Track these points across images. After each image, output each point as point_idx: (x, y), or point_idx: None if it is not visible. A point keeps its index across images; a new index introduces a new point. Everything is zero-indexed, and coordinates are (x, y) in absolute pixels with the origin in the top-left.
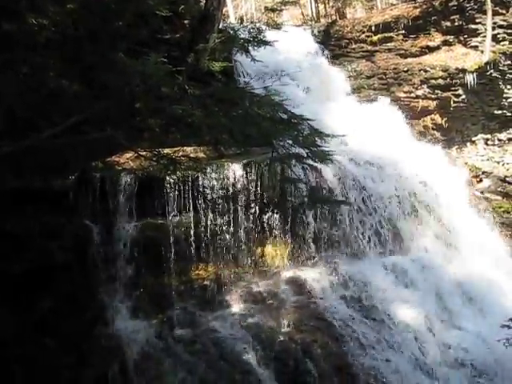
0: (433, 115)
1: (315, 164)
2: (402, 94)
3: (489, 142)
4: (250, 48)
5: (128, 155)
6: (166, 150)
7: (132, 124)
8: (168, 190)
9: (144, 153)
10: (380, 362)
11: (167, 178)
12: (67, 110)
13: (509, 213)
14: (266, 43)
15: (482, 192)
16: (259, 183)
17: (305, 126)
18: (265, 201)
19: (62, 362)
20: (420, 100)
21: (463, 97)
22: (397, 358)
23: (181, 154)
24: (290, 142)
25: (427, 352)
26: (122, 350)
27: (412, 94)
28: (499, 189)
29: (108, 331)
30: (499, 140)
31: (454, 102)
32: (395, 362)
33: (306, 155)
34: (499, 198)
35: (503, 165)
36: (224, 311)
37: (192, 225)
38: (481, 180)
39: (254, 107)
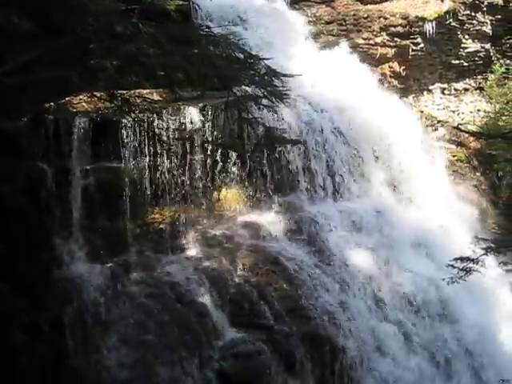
0: (391, 63)
1: (272, 105)
2: (361, 41)
3: (445, 92)
4: None
5: (82, 97)
6: (121, 92)
7: (86, 64)
8: (123, 133)
9: (98, 94)
10: (334, 305)
11: (122, 121)
12: (18, 49)
13: (462, 161)
14: None
15: (436, 140)
16: (216, 126)
17: (261, 65)
18: (221, 144)
19: (17, 307)
20: (379, 47)
21: (422, 45)
22: (350, 301)
23: (136, 95)
24: (247, 81)
25: (379, 295)
26: (78, 294)
27: (371, 41)
28: (454, 138)
29: (63, 275)
30: (455, 90)
31: (413, 50)
32: (348, 305)
33: (262, 95)
34: (453, 146)
35: (458, 114)
36: (180, 255)
37: (147, 168)
38: (436, 129)
39: (210, 47)
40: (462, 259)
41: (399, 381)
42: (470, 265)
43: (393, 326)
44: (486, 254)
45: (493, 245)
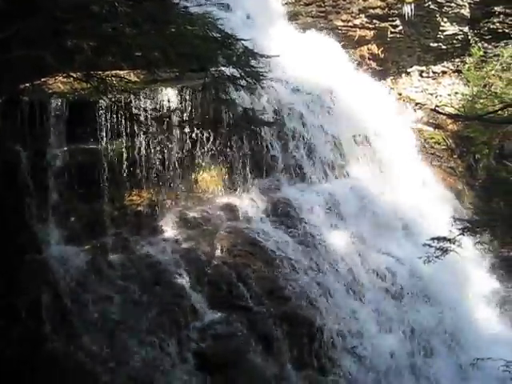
0: (369, 45)
1: (249, 86)
2: (339, 23)
3: (423, 74)
4: None
5: (58, 78)
6: (98, 72)
7: (61, 45)
8: (100, 115)
9: (75, 75)
10: (311, 286)
11: (99, 102)
12: None
13: (439, 143)
14: None
15: (414, 123)
16: (193, 108)
17: (239, 45)
18: (199, 125)
19: None
20: (357, 29)
21: (400, 28)
22: (328, 282)
23: (113, 76)
24: (224, 61)
25: (357, 276)
26: (55, 277)
27: (350, 23)
28: (431, 120)
29: (40, 258)
30: (434, 72)
31: (391, 32)
32: (326, 286)
33: (240, 76)
34: (431, 129)
35: (436, 97)
36: (158, 237)
37: (125, 150)
38: (414, 111)
39: (187, 26)
40: (438, 239)
41: (376, 360)
42: (447, 244)
43: (370, 306)
44: (462, 234)
45: (469, 225)
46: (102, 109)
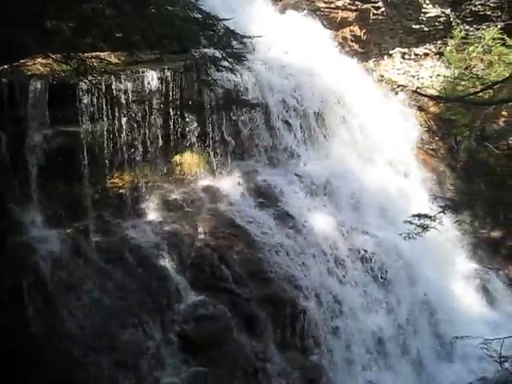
0: (352, 27)
1: (231, 67)
2: (321, 5)
3: (405, 56)
4: None
5: (38, 60)
6: (78, 54)
7: (41, 26)
8: (81, 97)
9: (54, 56)
10: (294, 268)
11: (79, 84)
12: None
13: (421, 125)
14: None
15: (396, 105)
16: (175, 89)
17: (220, 26)
18: (181, 106)
19: None
20: (340, 11)
21: (383, 9)
22: (310, 263)
23: (93, 57)
24: (205, 42)
25: (339, 257)
26: (37, 260)
27: (332, 5)
28: (413, 102)
29: (21, 242)
30: (416, 54)
31: (374, 14)
32: (309, 267)
33: (221, 57)
34: (413, 111)
35: (418, 79)
36: (140, 219)
37: (106, 132)
38: (396, 93)
39: (167, 7)
40: (419, 216)
41: (360, 340)
42: (427, 222)
43: (352, 286)
44: (443, 212)
45: (449, 203)
46: (83, 91)
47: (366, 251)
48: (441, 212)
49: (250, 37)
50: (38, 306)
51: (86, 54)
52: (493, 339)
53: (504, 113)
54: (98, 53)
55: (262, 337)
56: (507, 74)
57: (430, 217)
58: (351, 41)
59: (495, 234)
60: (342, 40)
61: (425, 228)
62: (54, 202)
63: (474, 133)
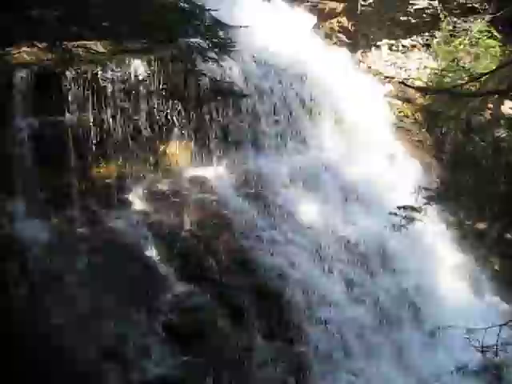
0: (340, 18)
1: (217, 57)
2: None
3: (393, 48)
4: None
5: (23, 48)
6: (64, 42)
7: (28, 15)
8: (66, 86)
9: (40, 45)
10: (280, 258)
11: (65, 73)
12: None
13: (407, 117)
14: None
15: (383, 96)
16: (162, 79)
17: (206, 16)
18: (168, 96)
19: None
20: (328, 2)
21: (370, 1)
22: (297, 254)
23: (79, 46)
24: (192, 32)
25: (325, 247)
26: (22, 251)
27: None
28: (400, 94)
29: (6, 232)
30: (403, 46)
31: (362, 5)
32: (295, 258)
33: (207, 47)
34: (400, 102)
35: (405, 71)
36: (126, 209)
37: (92, 122)
38: (383, 85)
39: None
40: (405, 207)
41: (344, 330)
42: (413, 213)
43: (337, 277)
44: (428, 204)
45: (434, 194)
46: (69, 80)
47: (351, 242)
48: (426, 204)
49: (236, 27)
50: (23, 295)
51: (71, 43)
52: (476, 328)
53: (490, 105)
54: (84, 41)
55: (248, 327)
56: (494, 67)
57: (415, 208)
58: (339, 32)
59: (480, 225)
60: (330, 31)
61: (410, 219)
62: (39, 192)
63: (460, 125)
